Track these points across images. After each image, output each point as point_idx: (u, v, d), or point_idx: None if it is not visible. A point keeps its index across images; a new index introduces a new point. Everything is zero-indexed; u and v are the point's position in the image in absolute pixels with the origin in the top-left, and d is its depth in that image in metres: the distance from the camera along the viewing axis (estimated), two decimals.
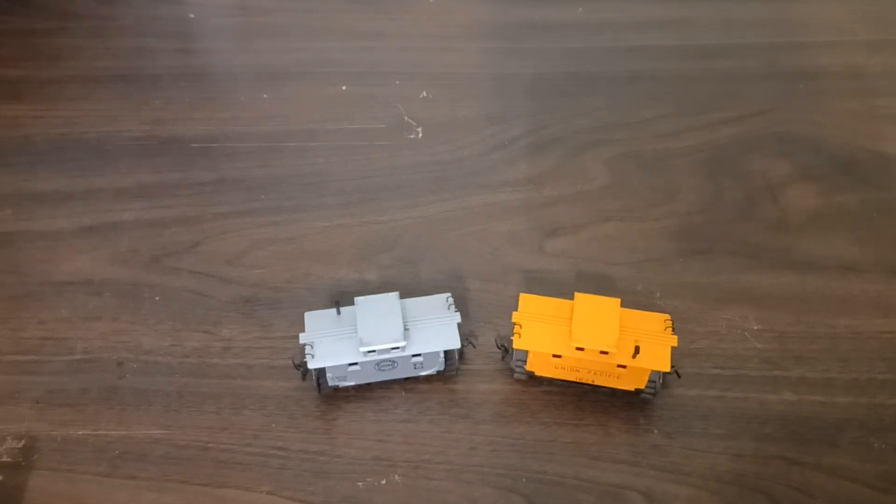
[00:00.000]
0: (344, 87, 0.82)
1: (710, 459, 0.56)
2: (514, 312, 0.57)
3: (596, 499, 0.54)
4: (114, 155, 0.75)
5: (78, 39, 0.87)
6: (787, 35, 0.87)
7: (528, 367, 0.58)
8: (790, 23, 0.89)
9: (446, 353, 0.58)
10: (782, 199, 0.72)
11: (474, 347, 0.61)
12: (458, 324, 0.57)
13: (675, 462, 0.56)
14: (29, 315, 0.64)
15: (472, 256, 0.68)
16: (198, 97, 0.81)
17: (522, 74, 0.83)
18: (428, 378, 0.60)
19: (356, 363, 0.56)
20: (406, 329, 0.56)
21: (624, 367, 0.55)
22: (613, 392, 0.59)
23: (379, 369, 0.57)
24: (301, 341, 0.56)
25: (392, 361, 0.57)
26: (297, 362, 0.58)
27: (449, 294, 0.59)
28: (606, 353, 0.54)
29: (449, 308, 0.58)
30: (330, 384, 0.58)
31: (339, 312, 0.58)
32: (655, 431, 0.57)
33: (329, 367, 0.56)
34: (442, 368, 0.59)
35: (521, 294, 0.58)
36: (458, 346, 0.57)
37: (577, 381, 0.58)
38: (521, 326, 0.56)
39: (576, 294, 0.57)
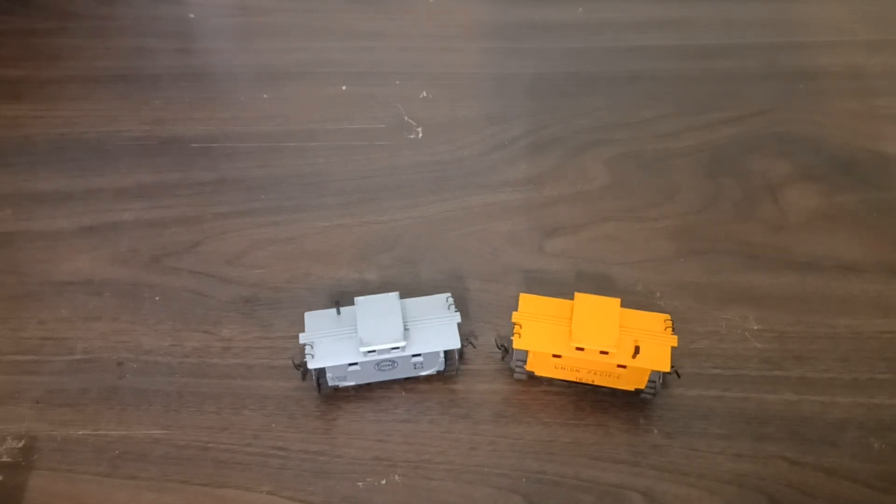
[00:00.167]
0: (344, 87, 0.82)
1: (710, 459, 0.56)
2: (514, 312, 0.57)
3: (596, 499, 0.54)
4: (114, 155, 0.75)
5: (78, 39, 0.87)
6: (787, 35, 0.87)
7: (528, 367, 0.58)
8: (790, 23, 0.89)
9: (446, 353, 0.58)
10: (782, 199, 0.72)
11: (474, 347, 0.61)
12: (458, 324, 0.57)
13: (675, 462, 0.56)
14: (29, 315, 0.64)
15: (472, 256, 0.68)
16: (198, 97, 0.81)
17: (522, 74, 0.83)
18: (428, 378, 0.60)
19: (356, 363, 0.56)
20: (406, 329, 0.56)
21: (624, 367, 0.55)
22: (613, 392, 0.59)
23: (379, 369, 0.57)
24: (301, 341, 0.56)
25: (392, 361, 0.57)
26: (297, 362, 0.58)
27: (449, 294, 0.59)
28: (606, 353, 0.54)
29: (449, 308, 0.58)
30: (330, 384, 0.58)
31: (339, 312, 0.58)
32: (655, 431, 0.57)
33: (329, 367, 0.56)
34: (442, 368, 0.59)
35: (521, 294, 0.58)
36: (458, 346, 0.57)
37: (577, 381, 0.58)
38: (521, 326, 0.56)
39: (576, 294, 0.57)
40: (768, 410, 0.58)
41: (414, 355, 0.57)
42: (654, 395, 0.57)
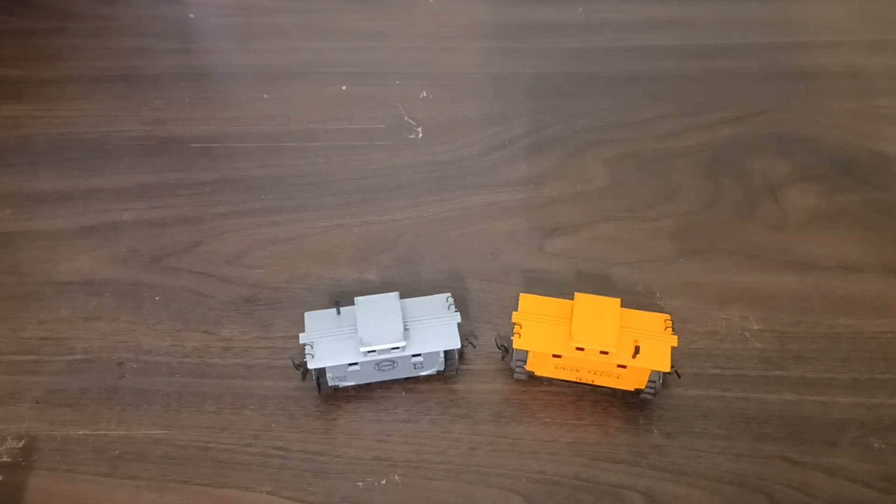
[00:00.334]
0: (344, 87, 0.82)
1: (710, 459, 0.56)
2: (514, 312, 0.57)
3: (596, 499, 0.54)
4: (114, 155, 0.75)
5: (78, 39, 0.87)
6: (787, 35, 0.87)
7: (528, 367, 0.58)
8: (790, 23, 0.89)
9: (446, 353, 0.58)
10: (782, 199, 0.72)
11: (474, 347, 0.61)
12: (458, 324, 0.57)
13: (675, 462, 0.56)
14: (29, 315, 0.64)
15: (472, 256, 0.68)
16: (198, 97, 0.81)
17: (522, 74, 0.83)
18: (428, 378, 0.60)
19: (356, 363, 0.56)
20: (406, 329, 0.56)
21: (624, 366, 0.55)
22: (613, 392, 0.59)
23: (379, 369, 0.57)
24: (301, 341, 0.56)
25: (392, 361, 0.57)
26: (297, 362, 0.58)
27: (449, 294, 0.59)
28: (606, 353, 0.54)
29: (449, 308, 0.58)
30: (330, 384, 0.58)
31: (339, 312, 0.58)
32: (655, 431, 0.57)
33: (329, 367, 0.56)
34: (442, 368, 0.59)
35: (521, 294, 0.58)
36: (458, 346, 0.57)
37: (577, 381, 0.58)
38: (521, 326, 0.56)
39: (576, 294, 0.57)
40: (768, 410, 0.58)
41: (414, 355, 0.57)
42: (654, 395, 0.57)
